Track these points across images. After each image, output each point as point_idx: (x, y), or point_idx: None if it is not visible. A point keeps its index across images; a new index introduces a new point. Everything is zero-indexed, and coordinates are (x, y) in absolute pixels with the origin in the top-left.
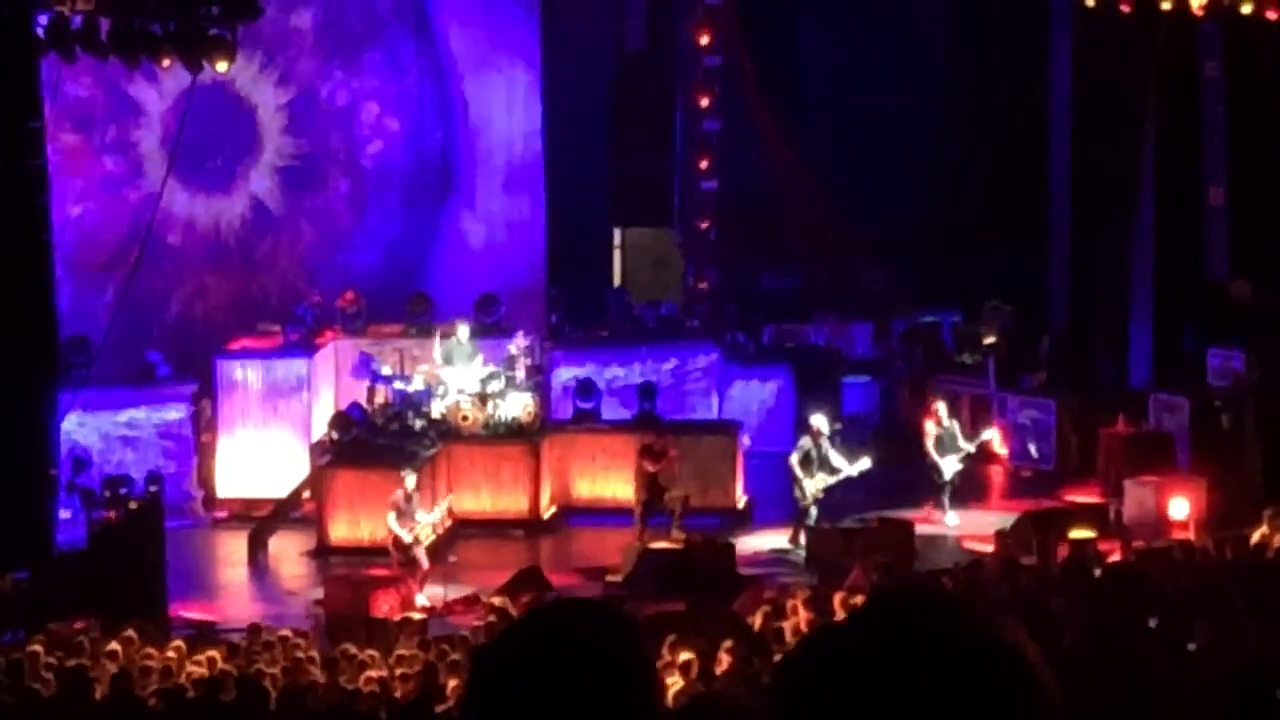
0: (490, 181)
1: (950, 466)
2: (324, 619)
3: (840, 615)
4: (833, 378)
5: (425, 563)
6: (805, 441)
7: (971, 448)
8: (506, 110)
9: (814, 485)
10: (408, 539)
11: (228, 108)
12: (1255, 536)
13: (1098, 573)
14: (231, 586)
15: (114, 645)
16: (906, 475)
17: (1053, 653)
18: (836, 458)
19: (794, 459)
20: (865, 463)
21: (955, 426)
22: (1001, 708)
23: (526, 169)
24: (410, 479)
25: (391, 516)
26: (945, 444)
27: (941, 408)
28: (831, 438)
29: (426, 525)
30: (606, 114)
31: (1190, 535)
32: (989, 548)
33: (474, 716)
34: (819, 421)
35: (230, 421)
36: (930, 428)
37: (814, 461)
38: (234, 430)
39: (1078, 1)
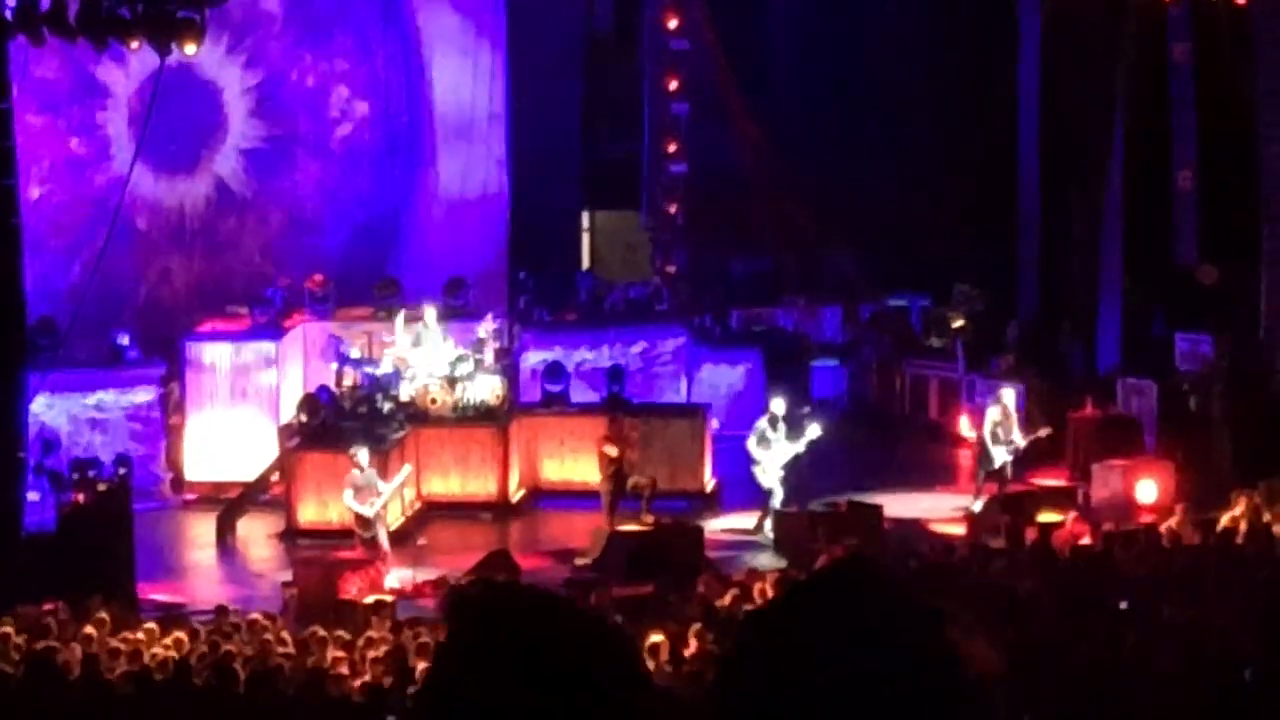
0: (455, 164)
1: (1000, 455)
2: (292, 600)
3: None
4: (801, 361)
5: (386, 545)
6: (762, 423)
7: (1024, 441)
8: (471, 93)
9: (772, 465)
10: (369, 513)
11: (193, 90)
12: (1224, 520)
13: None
14: (200, 569)
15: (82, 628)
16: (875, 458)
17: (1023, 635)
18: (788, 438)
19: (750, 442)
20: (815, 430)
21: (1016, 419)
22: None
23: (491, 151)
24: (362, 454)
25: (349, 494)
26: (1001, 433)
27: (1009, 396)
28: (787, 418)
29: (390, 493)
30: (576, 97)
31: (1156, 519)
32: (956, 530)
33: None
34: (776, 405)
35: (198, 404)
36: (992, 413)
37: (769, 442)
38: (202, 412)
39: None
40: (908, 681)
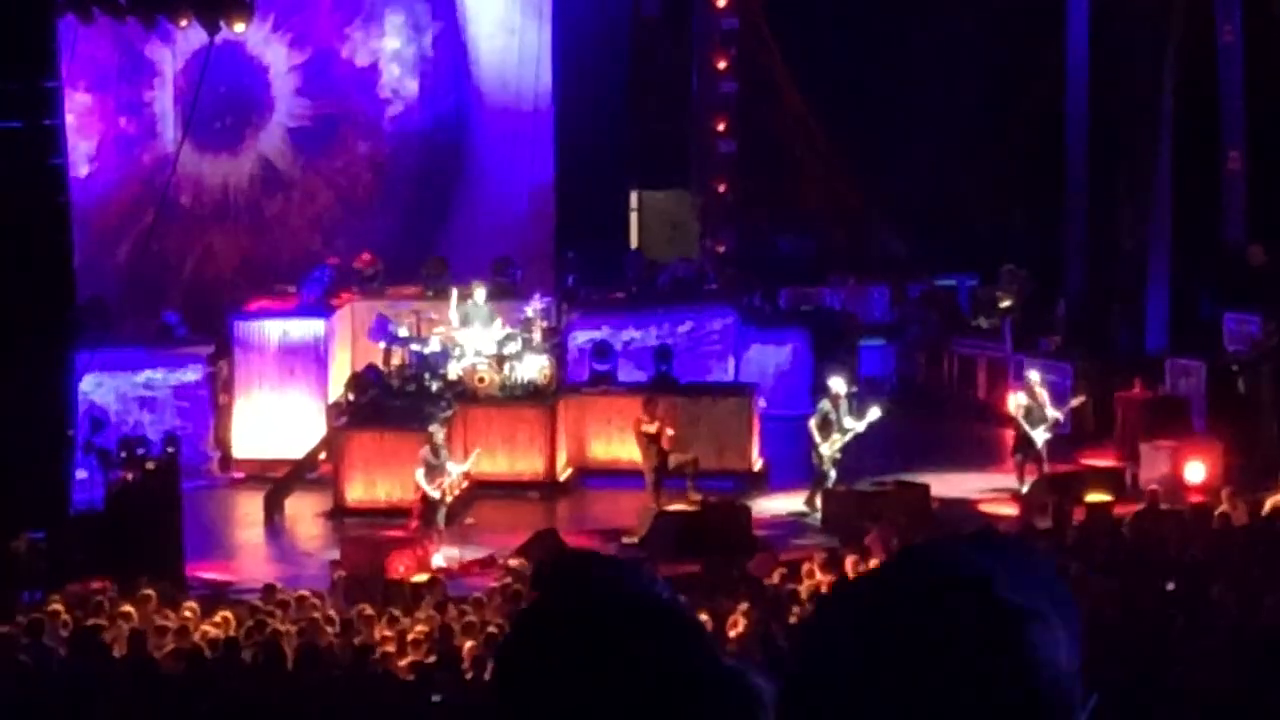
0: (503, 143)
1: (1040, 436)
2: (341, 579)
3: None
4: (849, 341)
5: (442, 525)
6: (824, 405)
7: (1060, 415)
8: (518, 71)
9: (830, 448)
10: (435, 495)
11: (239, 68)
12: (1272, 501)
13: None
14: (247, 547)
15: (130, 606)
16: (922, 438)
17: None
18: (849, 420)
19: (813, 423)
20: (875, 412)
21: (1045, 396)
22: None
23: (538, 131)
24: (439, 433)
25: (420, 472)
26: (1034, 414)
27: (1034, 376)
28: (848, 399)
29: (457, 476)
30: (623, 76)
31: (1205, 500)
32: (1004, 511)
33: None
34: (837, 385)
35: (247, 382)
36: (1020, 398)
37: (832, 425)
38: (250, 391)
39: None
40: (978, 695)
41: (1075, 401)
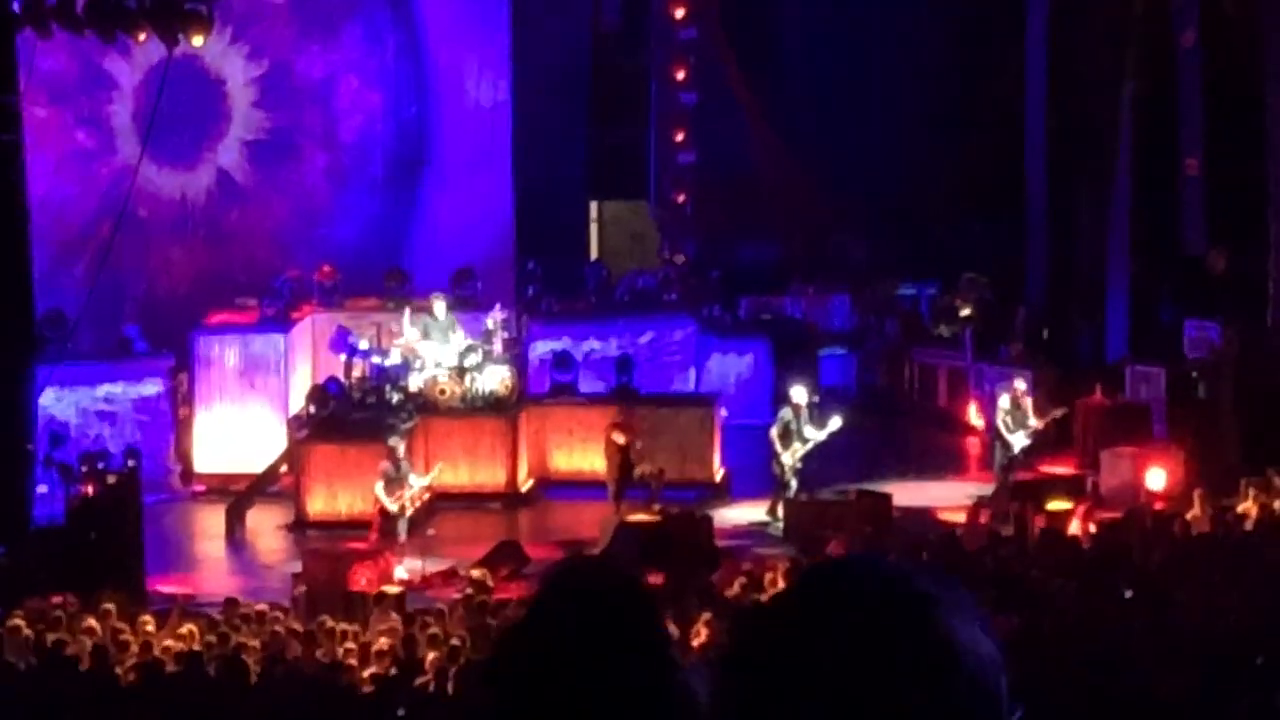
0: (461, 155)
1: (1019, 442)
2: (302, 593)
3: None
4: (810, 350)
5: (404, 538)
6: (785, 413)
7: (1040, 424)
8: (477, 83)
9: (792, 457)
10: (393, 508)
11: (196, 81)
12: (1240, 508)
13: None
14: (209, 560)
15: (92, 620)
16: (884, 447)
17: (1034, 623)
18: (810, 429)
19: (774, 432)
20: (836, 422)
21: (1029, 404)
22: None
23: (496, 142)
24: (400, 445)
25: (380, 485)
26: (1016, 421)
27: (1020, 383)
28: (809, 408)
29: (418, 489)
30: (583, 87)
31: (1166, 506)
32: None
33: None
34: (798, 394)
35: (207, 396)
36: (1004, 403)
37: (793, 434)
38: (211, 404)
39: None
40: (899, 675)
41: (1057, 413)
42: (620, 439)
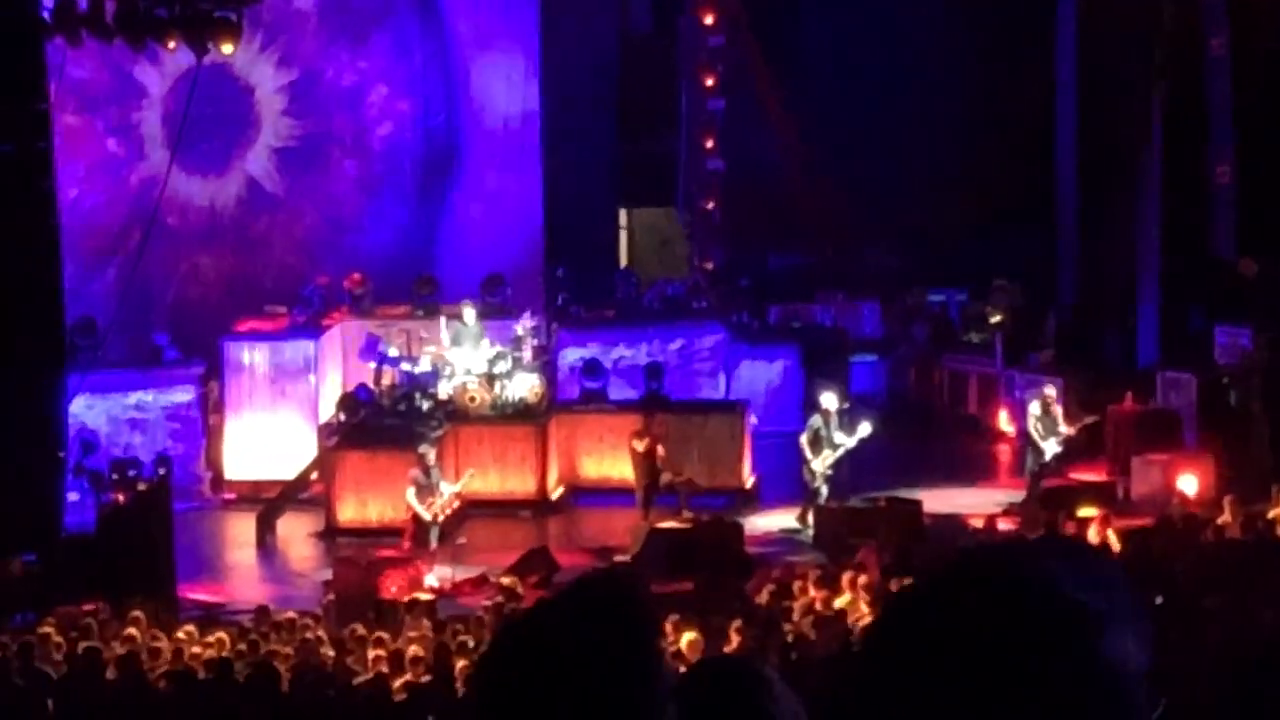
0: (490, 162)
1: (1050, 449)
2: (331, 601)
3: (848, 594)
4: (840, 357)
5: (435, 545)
6: (815, 420)
7: (1071, 431)
8: (506, 90)
9: (822, 464)
10: (427, 516)
11: (225, 89)
12: (1271, 514)
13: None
14: (240, 568)
15: (123, 628)
16: (914, 453)
17: None
18: (840, 435)
19: (804, 439)
20: (866, 428)
21: (1059, 410)
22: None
23: (525, 149)
24: (430, 453)
25: (411, 492)
26: (1047, 427)
27: (1050, 390)
28: (840, 415)
29: (449, 496)
30: (612, 95)
31: (1197, 513)
32: (998, 526)
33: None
34: (828, 401)
35: (238, 403)
36: (1035, 410)
37: (823, 441)
38: (241, 412)
39: None
40: (1038, 693)
41: (1089, 419)
42: (639, 445)
